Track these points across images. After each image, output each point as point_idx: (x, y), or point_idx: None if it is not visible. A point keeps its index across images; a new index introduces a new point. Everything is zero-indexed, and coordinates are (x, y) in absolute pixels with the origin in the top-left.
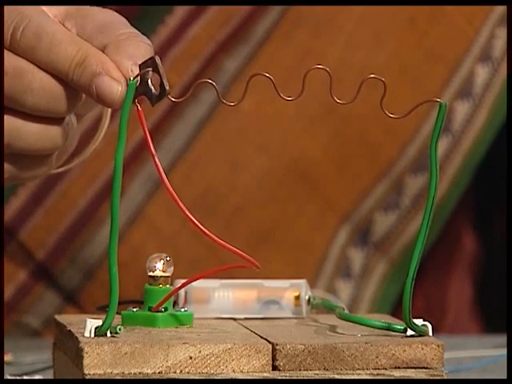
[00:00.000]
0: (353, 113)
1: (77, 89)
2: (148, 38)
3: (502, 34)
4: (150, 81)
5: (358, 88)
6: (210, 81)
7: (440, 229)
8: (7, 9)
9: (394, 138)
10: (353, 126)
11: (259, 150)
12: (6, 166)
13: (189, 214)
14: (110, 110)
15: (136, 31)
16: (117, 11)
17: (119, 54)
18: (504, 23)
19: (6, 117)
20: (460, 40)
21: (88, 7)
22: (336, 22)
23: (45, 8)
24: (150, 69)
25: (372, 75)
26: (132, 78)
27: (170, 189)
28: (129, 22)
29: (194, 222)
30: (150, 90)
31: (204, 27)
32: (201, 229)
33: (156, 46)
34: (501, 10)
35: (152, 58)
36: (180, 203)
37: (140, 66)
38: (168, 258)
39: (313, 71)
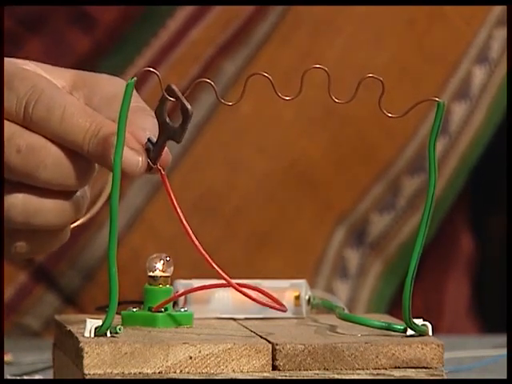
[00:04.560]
0: (351, 114)
1: (92, 160)
2: (149, 41)
3: (500, 35)
4: (168, 119)
5: (357, 87)
6: (208, 80)
7: (437, 229)
8: (19, 79)
9: (392, 139)
10: (351, 128)
11: (258, 151)
12: (24, 243)
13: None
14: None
15: (143, 104)
16: (117, 11)
17: (132, 126)
18: (501, 24)
19: (21, 194)
20: (458, 41)
21: (95, 75)
22: (335, 23)
23: (52, 79)
24: (166, 102)
25: (370, 75)
26: (131, 78)
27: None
28: (130, 25)
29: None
30: (171, 127)
31: (204, 30)
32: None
33: (157, 49)
34: (498, 11)
35: (167, 89)
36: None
37: (156, 111)
38: (168, 258)
39: (312, 73)
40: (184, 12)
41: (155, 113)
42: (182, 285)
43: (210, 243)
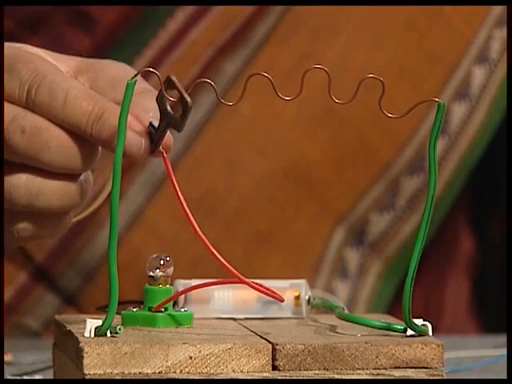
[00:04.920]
0: (351, 115)
1: (96, 144)
2: (149, 41)
3: (499, 35)
4: (169, 108)
5: (357, 88)
6: (208, 80)
7: (437, 229)
8: (22, 62)
9: (392, 139)
10: (351, 128)
11: (258, 151)
12: (27, 225)
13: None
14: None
15: (148, 86)
16: (117, 11)
17: (135, 108)
18: (501, 24)
19: (25, 176)
20: (458, 41)
21: (99, 61)
22: (335, 24)
23: (56, 63)
24: (166, 96)
25: (370, 75)
26: (131, 78)
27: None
28: (130, 25)
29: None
30: (172, 116)
31: (204, 31)
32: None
33: (156, 50)
34: (498, 11)
35: (167, 80)
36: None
37: (157, 99)
38: (168, 258)
39: (312, 74)
40: (184, 12)
41: (156, 101)
42: (181, 285)
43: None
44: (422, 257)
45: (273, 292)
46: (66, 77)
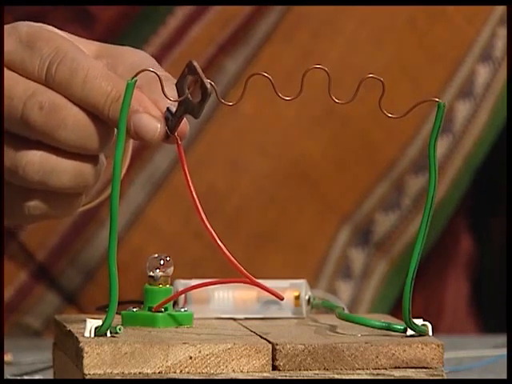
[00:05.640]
0: (353, 114)
1: (112, 125)
2: (149, 38)
3: (503, 33)
4: (188, 94)
5: (357, 87)
6: (208, 80)
7: (439, 230)
8: (43, 40)
9: (394, 138)
10: (353, 127)
11: (259, 151)
12: (38, 204)
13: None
14: (131, 145)
15: (167, 74)
16: (117, 9)
17: (154, 94)
18: (504, 23)
19: (40, 153)
20: (460, 40)
21: (119, 47)
22: (336, 23)
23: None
24: (187, 80)
25: (371, 75)
26: (132, 78)
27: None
28: (130, 22)
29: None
30: (191, 102)
31: (204, 28)
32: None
33: (157, 47)
34: (501, 9)
35: (188, 65)
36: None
37: (177, 84)
38: (168, 258)
39: (313, 73)
40: (184, 10)
41: (176, 86)
42: (181, 285)
43: (210, 243)
44: (424, 257)
45: (273, 290)
46: (87, 56)
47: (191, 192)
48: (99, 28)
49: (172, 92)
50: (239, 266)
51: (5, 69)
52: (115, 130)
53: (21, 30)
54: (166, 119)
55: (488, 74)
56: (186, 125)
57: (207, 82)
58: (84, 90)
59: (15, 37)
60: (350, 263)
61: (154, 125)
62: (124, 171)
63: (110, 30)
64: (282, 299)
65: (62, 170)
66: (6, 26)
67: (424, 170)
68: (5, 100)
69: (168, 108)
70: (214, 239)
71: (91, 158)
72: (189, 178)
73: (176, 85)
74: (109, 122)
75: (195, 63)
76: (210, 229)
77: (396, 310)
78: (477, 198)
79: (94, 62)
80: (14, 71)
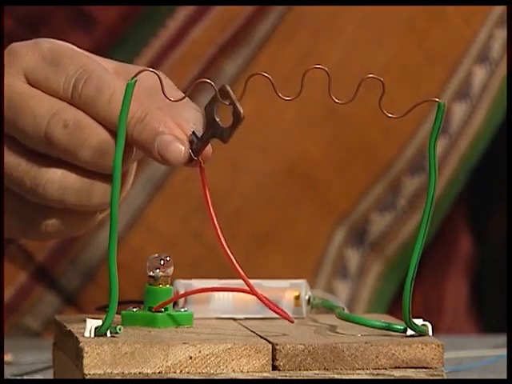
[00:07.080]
0: (352, 114)
1: (133, 145)
2: (149, 41)
3: (500, 35)
4: (217, 118)
5: (357, 88)
6: (208, 80)
7: (437, 229)
8: (68, 57)
9: (393, 139)
10: (352, 128)
11: (259, 151)
12: (55, 221)
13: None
14: (134, 169)
15: (180, 93)
16: (117, 11)
17: (177, 118)
18: (502, 24)
19: (60, 171)
20: (459, 41)
21: (136, 66)
22: (336, 23)
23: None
24: (214, 106)
25: (371, 75)
26: (132, 78)
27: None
28: (130, 24)
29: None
30: (219, 126)
31: (204, 30)
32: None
33: (157, 49)
34: (499, 11)
35: (221, 89)
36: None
37: (206, 107)
38: (168, 258)
39: (313, 73)
40: (184, 12)
41: (205, 109)
42: (182, 285)
43: (210, 243)
44: (422, 257)
45: (283, 311)
46: (113, 75)
47: (213, 222)
48: (99, 30)
49: (195, 116)
50: (251, 284)
51: (28, 86)
52: (134, 149)
53: (43, 47)
54: (191, 142)
55: (485, 76)
56: (209, 149)
57: (240, 107)
58: (108, 110)
59: (38, 54)
60: (346, 263)
61: (178, 147)
62: (124, 194)
63: (111, 33)
64: (293, 322)
65: (81, 189)
66: (27, 43)
67: (420, 171)
68: (28, 118)
69: (194, 132)
70: (231, 260)
71: (110, 177)
72: (210, 204)
73: (205, 108)
74: (131, 141)
75: (228, 87)
76: (228, 251)
77: (392, 309)
78: (473, 197)
79: (119, 81)
80: (37, 88)
